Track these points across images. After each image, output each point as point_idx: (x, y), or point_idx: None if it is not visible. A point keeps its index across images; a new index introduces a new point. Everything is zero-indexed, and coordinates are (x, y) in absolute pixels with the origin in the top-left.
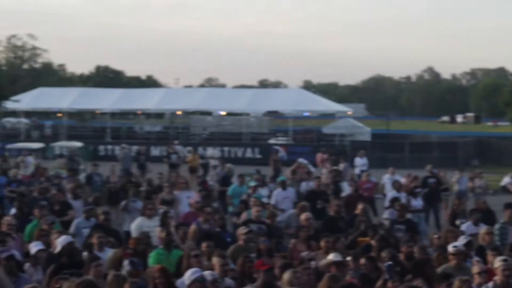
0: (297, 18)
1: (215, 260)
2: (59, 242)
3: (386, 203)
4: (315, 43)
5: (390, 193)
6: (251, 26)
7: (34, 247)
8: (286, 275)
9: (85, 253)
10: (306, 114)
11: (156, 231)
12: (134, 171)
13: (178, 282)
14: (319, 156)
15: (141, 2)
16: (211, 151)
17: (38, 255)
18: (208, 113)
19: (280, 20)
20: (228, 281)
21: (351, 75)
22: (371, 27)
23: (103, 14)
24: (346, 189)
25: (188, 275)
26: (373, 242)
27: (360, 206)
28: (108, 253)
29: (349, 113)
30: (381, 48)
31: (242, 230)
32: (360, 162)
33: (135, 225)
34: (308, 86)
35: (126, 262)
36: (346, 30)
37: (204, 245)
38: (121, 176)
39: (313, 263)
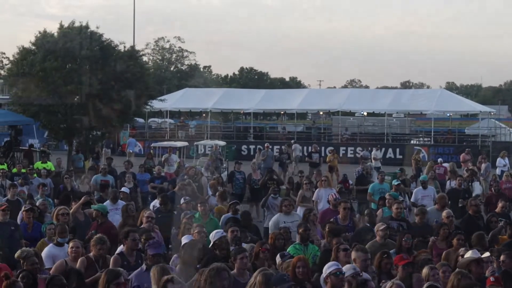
0: (441, 20)
1: (355, 255)
2: (212, 236)
3: None
4: (458, 45)
5: None
6: (394, 27)
7: (185, 240)
8: (424, 271)
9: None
10: (449, 115)
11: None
12: (276, 170)
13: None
14: (463, 157)
15: (286, 4)
16: (374, 152)
17: None
18: (350, 114)
19: (423, 22)
20: (366, 275)
21: (494, 77)
22: None
23: (248, 17)
24: (477, 189)
25: (326, 269)
26: None
27: (500, 204)
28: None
29: (492, 114)
30: None
31: (379, 227)
32: (502, 162)
33: (272, 221)
34: (451, 88)
35: (277, 256)
36: (489, 31)
37: (334, 241)
38: (262, 174)
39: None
